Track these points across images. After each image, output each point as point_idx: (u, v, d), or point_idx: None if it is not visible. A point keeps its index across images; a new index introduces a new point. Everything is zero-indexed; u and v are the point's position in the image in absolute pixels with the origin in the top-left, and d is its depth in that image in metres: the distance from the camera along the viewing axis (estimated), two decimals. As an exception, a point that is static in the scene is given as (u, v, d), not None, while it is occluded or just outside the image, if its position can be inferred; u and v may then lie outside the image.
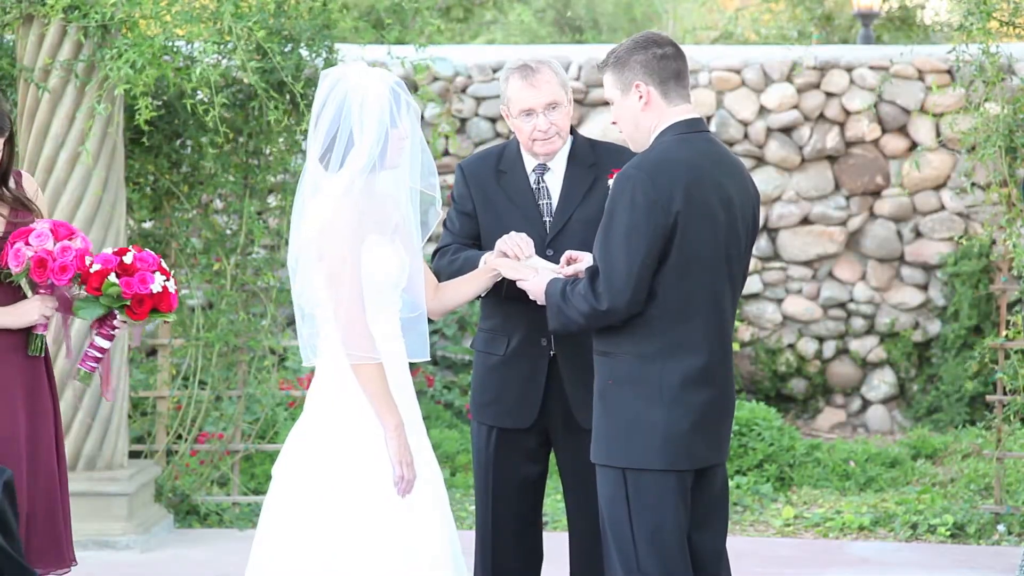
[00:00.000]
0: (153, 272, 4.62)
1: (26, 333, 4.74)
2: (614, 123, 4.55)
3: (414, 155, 4.45)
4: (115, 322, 4.67)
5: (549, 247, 4.96)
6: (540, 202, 5.04)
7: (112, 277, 4.56)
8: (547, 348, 4.99)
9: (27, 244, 4.58)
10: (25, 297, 4.72)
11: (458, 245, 5.07)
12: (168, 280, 4.65)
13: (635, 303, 4.34)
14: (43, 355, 4.78)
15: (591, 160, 5.05)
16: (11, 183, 4.75)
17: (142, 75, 6.65)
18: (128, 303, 4.58)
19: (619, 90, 4.47)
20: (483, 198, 5.08)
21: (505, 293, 4.90)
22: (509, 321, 5.01)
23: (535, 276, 4.65)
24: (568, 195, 5.02)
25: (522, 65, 4.98)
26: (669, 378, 4.37)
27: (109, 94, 6.85)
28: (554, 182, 5.05)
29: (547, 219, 5.03)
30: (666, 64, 4.45)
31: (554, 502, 7.85)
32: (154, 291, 4.59)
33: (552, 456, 5.17)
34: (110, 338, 4.68)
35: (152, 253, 4.70)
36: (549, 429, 5.06)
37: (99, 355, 4.69)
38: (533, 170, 5.06)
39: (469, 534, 5.57)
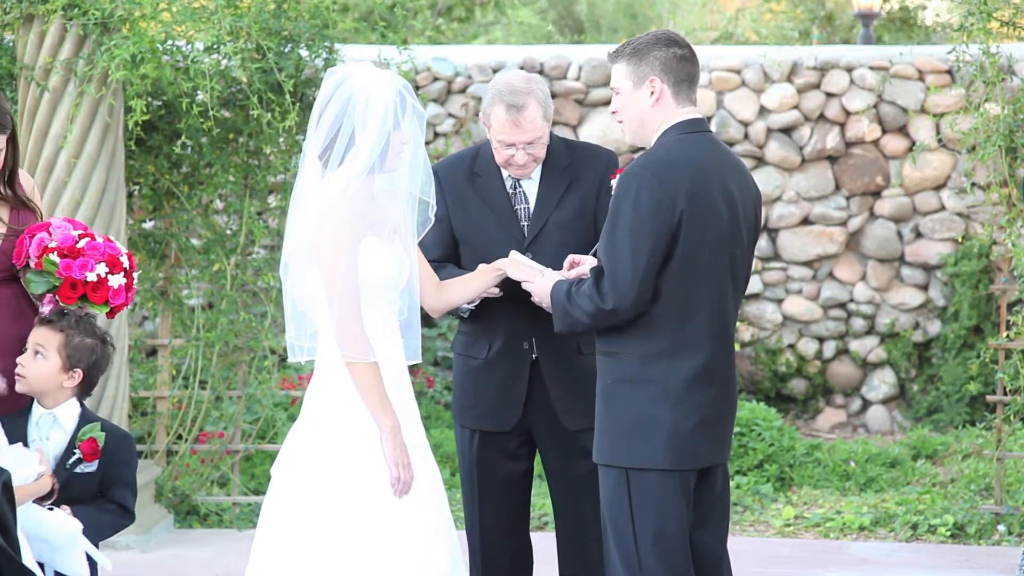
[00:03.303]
0: (98, 262, 4.61)
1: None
2: (614, 112, 4.53)
3: (415, 160, 4.43)
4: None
5: (528, 251, 4.91)
6: (517, 207, 4.99)
7: (53, 256, 4.57)
8: (529, 351, 4.96)
9: (49, 234, 4.60)
10: (31, 307, 4.68)
11: (434, 264, 4.96)
12: (116, 275, 4.62)
13: (640, 302, 4.33)
14: None
15: (567, 161, 5.01)
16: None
17: (140, 69, 6.65)
18: (59, 283, 4.59)
19: (631, 82, 4.45)
20: (457, 202, 5.01)
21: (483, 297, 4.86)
22: (491, 325, 4.97)
23: (541, 278, 4.63)
24: (545, 199, 4.97)
25: (509, 94, 4.86)
26: (675, 377, 4.37)
27: (104, 83, 6.84)
28: (530, 186, 5.00)
29: (524, 223, 4.97)
30: (683, 66, 4.44)
31: (551, 503, 7.84)
32: (88, 279, 4.59)
33: (538, 457, 5.15)
34: None
35: (116, 247, 4.64)
36: (532, 431, 5.03)
37: None
38: (509, 174, 5.02)
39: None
